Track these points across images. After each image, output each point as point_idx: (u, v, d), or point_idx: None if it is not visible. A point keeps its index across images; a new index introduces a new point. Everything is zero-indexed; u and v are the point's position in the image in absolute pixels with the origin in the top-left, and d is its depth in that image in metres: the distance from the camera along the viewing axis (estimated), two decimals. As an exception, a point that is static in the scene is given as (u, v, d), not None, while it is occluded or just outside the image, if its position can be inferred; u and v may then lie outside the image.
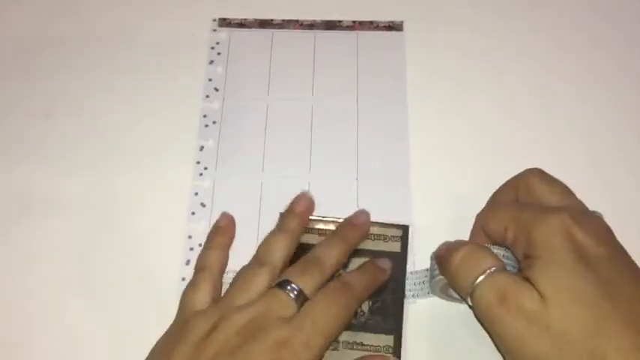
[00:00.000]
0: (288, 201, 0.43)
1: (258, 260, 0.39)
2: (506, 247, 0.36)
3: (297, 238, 0.41)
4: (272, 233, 0.40)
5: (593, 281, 0.31)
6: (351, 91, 0.49)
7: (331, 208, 0.43)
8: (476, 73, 0.50)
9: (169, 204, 0.44)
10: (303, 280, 0.36)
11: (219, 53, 0.50)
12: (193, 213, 0.43)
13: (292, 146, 0.46)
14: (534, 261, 0.33)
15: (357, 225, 0.41)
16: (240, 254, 0.40)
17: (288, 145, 0.46)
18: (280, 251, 0.39)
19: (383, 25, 0.51)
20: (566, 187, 0.37)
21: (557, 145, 0.46)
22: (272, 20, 0.52)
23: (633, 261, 0.33)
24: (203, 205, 0.44)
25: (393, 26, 0.51)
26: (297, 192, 0.43)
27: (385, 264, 0.40)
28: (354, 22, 0.52)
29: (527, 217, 0.34)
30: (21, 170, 0.46)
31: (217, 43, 0.51)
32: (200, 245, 0.42)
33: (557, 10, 0.52)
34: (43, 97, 0.49)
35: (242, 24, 0.52)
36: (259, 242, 0.40)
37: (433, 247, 0.38)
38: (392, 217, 0.43)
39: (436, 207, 0.44)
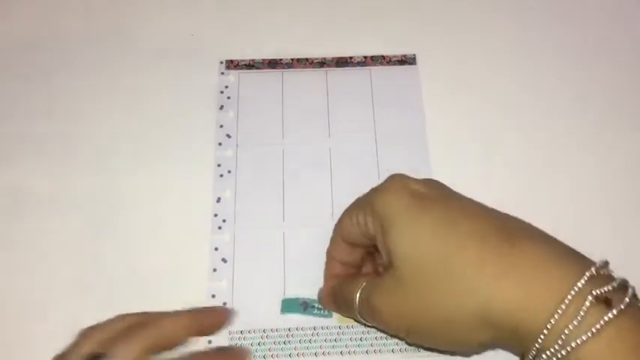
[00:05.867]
0: (313, 250, 0.41)
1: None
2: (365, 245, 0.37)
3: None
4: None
5: (429, 219, 0.32)
6: (368, 129, 0.47)
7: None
8: (495, 102, 0.48)
9: (189, 261, 0.42)
10: (120, 351, 0.28)
11: (228, 97, 0.48)
12: (215, 270, 0.42)
13: (312, 192, 0.45)
14: (383, 234, 0.33)
15: (215, 311, 0.35)
16: (270, 313, 0.40)
17: (308, 191, 0.45)
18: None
19: (395, 59, 0.50)
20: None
21: (579, 177, 0.45)
22: (281, 60, 0.50)
23: (467, 197, 0.34)
24: (224, 260, 0.42)
25: (406, 60, 0.50)
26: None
27: (243, 352, 0.33)
28: (365, 57, 0.50)
29: (368, 194, 0.36)
30: (21, 170, 0.45)
31: (226, 87, 0.49)
32: (225, 304, 0.40)
33: (573, 35, 0.51)
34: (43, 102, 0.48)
35: (250, 65, 0.50)
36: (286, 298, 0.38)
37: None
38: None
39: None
